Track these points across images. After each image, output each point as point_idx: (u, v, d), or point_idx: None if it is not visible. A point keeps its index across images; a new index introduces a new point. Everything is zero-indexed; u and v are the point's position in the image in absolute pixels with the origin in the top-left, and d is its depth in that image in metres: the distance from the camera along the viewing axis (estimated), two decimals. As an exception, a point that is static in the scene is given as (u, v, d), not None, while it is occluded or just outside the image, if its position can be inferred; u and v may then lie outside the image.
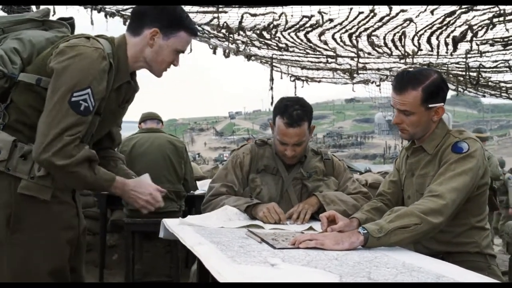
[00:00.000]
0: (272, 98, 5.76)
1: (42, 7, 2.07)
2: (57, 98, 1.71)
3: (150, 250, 5.20)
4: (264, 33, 4.80)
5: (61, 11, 5.33)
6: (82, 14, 4.95)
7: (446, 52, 5.10)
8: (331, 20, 4.23)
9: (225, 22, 4.47)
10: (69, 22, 1.97)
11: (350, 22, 4.30)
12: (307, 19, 4.24)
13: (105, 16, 5.35)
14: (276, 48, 5.46)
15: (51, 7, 4.83)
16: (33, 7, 5.14)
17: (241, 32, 4.90)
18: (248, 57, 6.08)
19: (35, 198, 1.80)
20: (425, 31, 4.48)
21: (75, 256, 1.99)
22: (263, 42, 5.30)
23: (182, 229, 2.04)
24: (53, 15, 5.06)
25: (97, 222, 5.04)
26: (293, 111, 2.40)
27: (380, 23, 4.28)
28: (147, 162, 4.07)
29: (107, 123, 1.98)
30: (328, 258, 1.60)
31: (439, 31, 4.45)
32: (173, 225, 2.11)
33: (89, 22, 5.07)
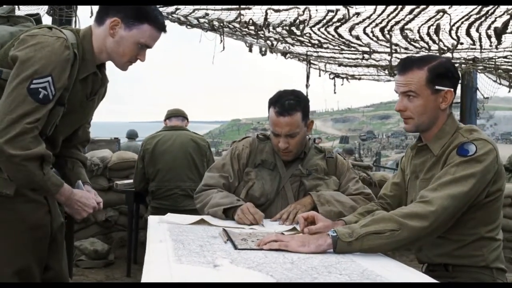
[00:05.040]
0: (306, 95, 5.63)
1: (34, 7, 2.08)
2: (15, 84, 1.68)
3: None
4: (294, 29, 4.69)
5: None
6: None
7: (490, 46, 4.76)
8: (358, 14, 4.06)
9: (250, 18, 4.41)
10: (35, 18, 1.97)
11: (379, 16, 4.11)
12: (332, 14, 4.10)
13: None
14: (310, 44, 5.33)
15: (89, 7, 4.97)
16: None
17: (271, 29, 4.83)
18: (284, 54, 5.99)
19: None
20: (462, 22, 4.19)
21: (51, 254, 1.97)
22: (295, 39, 5.19)
23: (159, 226, 2.00)
24: (91, 17, 5.21)
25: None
26: (285, 100, 2.32)
27: (411, 16, 4.05)
28: (169, 160, 4.10)
29: (76, 116, 1.95)
30: (283, 262, 1.50)
31: (478, 22, 4.15)
32: (152, 222, 2.07)
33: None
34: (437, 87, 1.85)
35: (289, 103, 2.31)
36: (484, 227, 1.86)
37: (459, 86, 7.50)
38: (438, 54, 4.77)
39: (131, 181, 4.62)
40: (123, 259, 5.30)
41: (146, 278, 1.25)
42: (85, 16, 5.55)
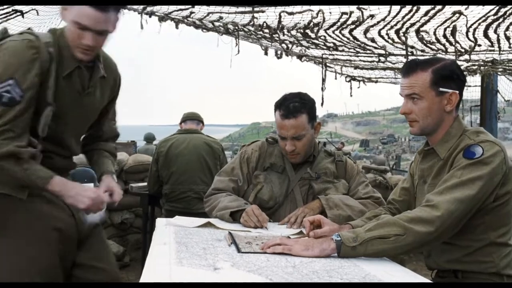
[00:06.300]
0: (322, 99, 5.61)
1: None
2: None
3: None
4: (308, 32, 4.67)
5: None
6: (133, 17, 5.10)
7: (510, 47, 4.67)
8: (372, 16, 4.02)
9: (264, 21, 4.40)
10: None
11: (393, 18, 4.06)
12: (346, 16, 4.07)
13: (159, 20, 5.50)
14: (325, 47, 5.30)
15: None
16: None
17: (286, 32, 4.82)
18: (300, 57, 5.97)
19: (14, 198, 1.83)
20: (479, 24, 4.12)
21: (82, 253, 2.02)
22: (310, 42, 5.17)
23: (165, 228, 2.01)
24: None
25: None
26: (290, 103, 2.32)
27: (426, 18, 4.00)
28: (182, 163, 4.11)
29: (76, 113, 1.96)
30: (285, 265, 1.49)
31: (496, 23, 4.07)
32: (159, 224, 2.08)
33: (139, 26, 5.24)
34: (441, 89, 1.82)
35: (294, 105, 2.31)
36: (494, 232, 1.81)
37: (479, 89, 7.33)
38: (455, 56, 4.70)
39: (146, 183, 4.65)
40: (139, 261, 5.34)
41: (145, 279, 1.26)
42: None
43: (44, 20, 5.17)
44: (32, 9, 4.69)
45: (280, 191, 2.42)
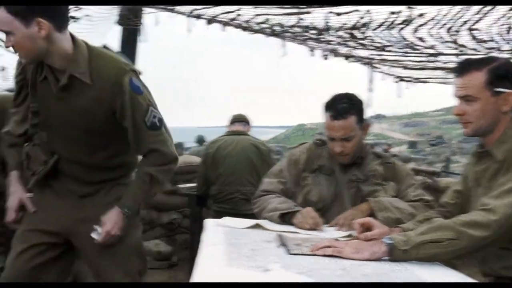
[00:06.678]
0: (369, 100, 5.53)
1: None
2: None
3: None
4: (356, 32, 4.63)
5: (163, 18, 5.63)
6: (179, 21, 5.20)
7: None
8: (421, 15, 3.94)
9: (310, 22, 4.40)
10: None
11: (444, 16, 3.96)
12: (395, 16, 4.00)
13: (207, 22, 5.58)
14: (373, 48, 5.23)
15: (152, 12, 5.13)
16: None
17: (332, 33, 4.79)
18: (347, 57, 5.92)
19: None
20: (538, 20, 3.96)
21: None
22: (357, 42, 5.11)
23: (214, 229, 2.03)
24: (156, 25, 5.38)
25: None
26: (339, 104, 2.30)
27: (480, 15, 3.88)
28: (230, 165, 4.15)
29: (55, 117, 2.04)
30: (335, 268, 1.48)
31: (556, 20, 3.90)
32: (208, 225, 2.11)
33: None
34: (497, 89, 1.76)
35: (343, 106, 2.29)
36: None
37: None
38: (511, 54, 4.54)
39: (194, 184, 4.73)
40: (187, 261, 5.43)
41: (195, 280, 1.28)
42: (150, 24, 5.77)
43: (97, 24, 5.34)
44: (86, 15, 4.86)
45: (328, 193, 2.40)
